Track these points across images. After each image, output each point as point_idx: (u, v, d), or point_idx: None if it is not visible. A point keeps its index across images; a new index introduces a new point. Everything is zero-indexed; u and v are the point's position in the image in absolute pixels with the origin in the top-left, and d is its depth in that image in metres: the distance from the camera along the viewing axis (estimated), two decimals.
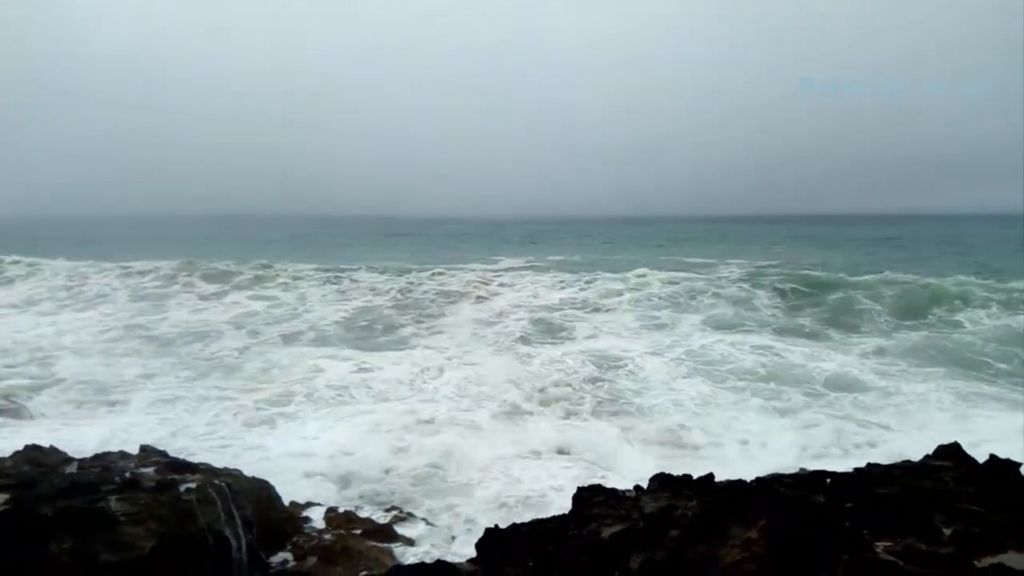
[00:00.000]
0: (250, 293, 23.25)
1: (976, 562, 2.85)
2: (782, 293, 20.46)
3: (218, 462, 7.02)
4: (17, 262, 29.29)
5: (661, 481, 4.26)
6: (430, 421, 10.56)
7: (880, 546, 3.02)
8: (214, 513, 5.06)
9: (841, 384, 12.35)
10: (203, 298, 22.79)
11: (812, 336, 16.55)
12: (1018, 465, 3.66)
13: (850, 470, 3.98)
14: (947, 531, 3.10)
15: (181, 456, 6.41)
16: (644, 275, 23.87)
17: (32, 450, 5.53)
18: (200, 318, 19.55)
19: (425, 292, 22.73)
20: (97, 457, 5.51)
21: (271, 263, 28.90)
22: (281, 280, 25.10)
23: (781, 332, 16.82)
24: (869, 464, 4.01)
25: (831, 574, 2.95)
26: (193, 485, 5.06)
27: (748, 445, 9.84)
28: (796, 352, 14.38)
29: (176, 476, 5.14)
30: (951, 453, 3.98)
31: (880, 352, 14.68)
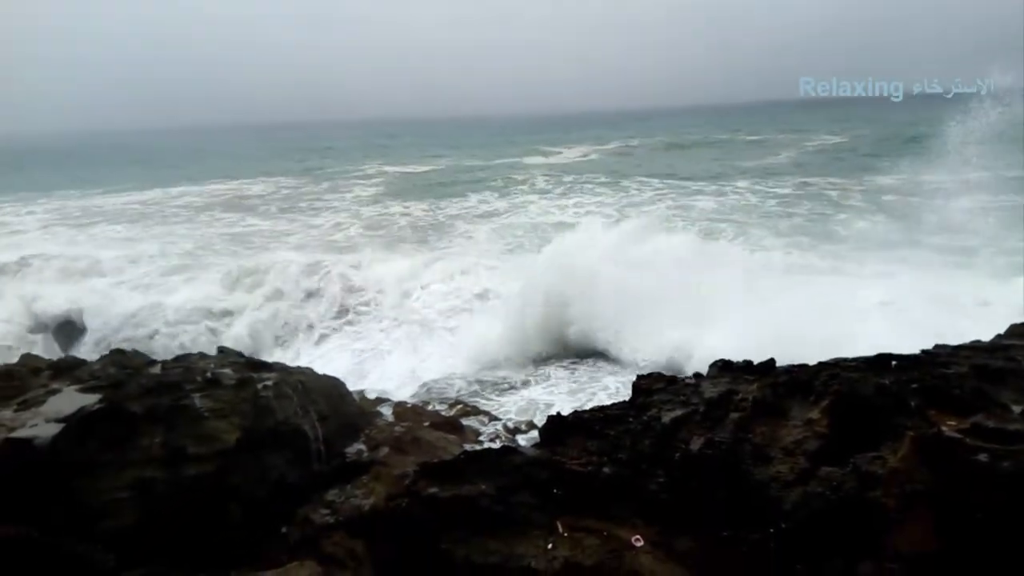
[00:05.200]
0: None
1: None
2: None
3: None
4: None
5: (720, 367, 4.28)
6: None
7: (947, 424, 2.99)
8: (291, 408, 5.33)
9: None
10: None
11: None
12: None
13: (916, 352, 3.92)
14: (1017, 409, 3.05)
15: None
16: None
17: (117, 354, 5.86)
18: None
19: None
20: (179, 359, 5.80)
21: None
22: None
23: None
24: (936, 345, 3.93)
25: (895, 451, 2.95)
26: (270, 382, 5.30)
27: None
28: None
29: (253, 374, 5.39)
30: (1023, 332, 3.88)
31: None
